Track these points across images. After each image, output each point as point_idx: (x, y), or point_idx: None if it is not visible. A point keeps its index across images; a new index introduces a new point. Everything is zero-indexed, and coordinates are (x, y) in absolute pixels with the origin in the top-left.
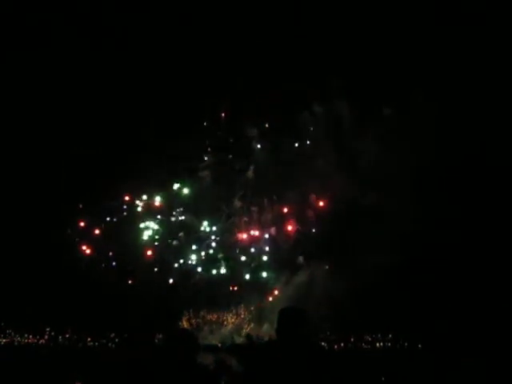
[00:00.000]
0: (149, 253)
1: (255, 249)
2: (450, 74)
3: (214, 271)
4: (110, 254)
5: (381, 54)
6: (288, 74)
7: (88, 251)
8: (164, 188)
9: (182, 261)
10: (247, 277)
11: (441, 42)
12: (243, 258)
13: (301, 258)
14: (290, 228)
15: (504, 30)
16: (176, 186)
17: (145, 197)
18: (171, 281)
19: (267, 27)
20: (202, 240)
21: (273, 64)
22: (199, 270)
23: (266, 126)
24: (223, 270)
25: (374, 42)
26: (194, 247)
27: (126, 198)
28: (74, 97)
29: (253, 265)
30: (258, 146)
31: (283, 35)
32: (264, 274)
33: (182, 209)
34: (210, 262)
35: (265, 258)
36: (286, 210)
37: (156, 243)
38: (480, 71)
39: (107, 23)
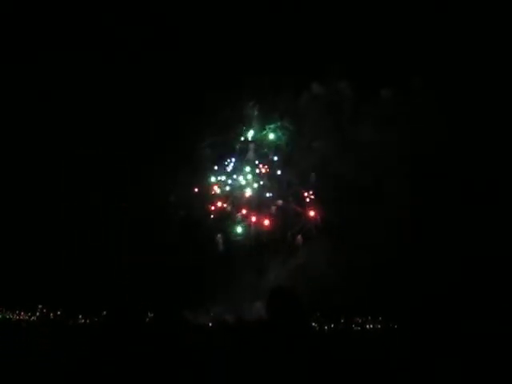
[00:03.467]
0: None
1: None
2: (452, 58)
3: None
4: None
5: (381, 37)
6: (286, 56)
7: None
8: None
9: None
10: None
11: (444, 26)
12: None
13: (299, 238)
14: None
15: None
16: None
17: None
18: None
19: (266, 10)
20: None
21: (271, 46)
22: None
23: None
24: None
25: (375, 24)
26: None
27: None
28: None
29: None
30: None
31: (282, 18)
32: None
33: None
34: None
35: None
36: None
37: None
38: (484, 57)
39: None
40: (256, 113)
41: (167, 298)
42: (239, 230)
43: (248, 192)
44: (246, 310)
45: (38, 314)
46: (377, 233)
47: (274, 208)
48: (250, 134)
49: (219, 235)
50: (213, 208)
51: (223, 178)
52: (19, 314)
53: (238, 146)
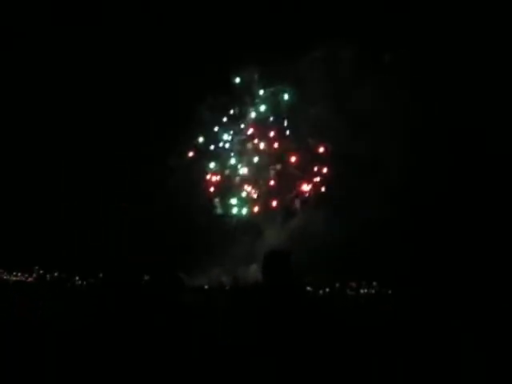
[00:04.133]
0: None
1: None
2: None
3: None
4: None
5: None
6: (285, 16)
7: None
8: None
9: None
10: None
11: None
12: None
13: (297, 202)
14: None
15: None
16: None
17: None
18: None
19: None
20: None
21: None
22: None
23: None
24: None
25: None
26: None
27: None
28: None
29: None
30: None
31: None
32: None
33: None
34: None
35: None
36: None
37: None
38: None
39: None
40: (256, 77)
41: (163, 260)
42: (235, 203)
43: (245, 170)
44: (242, 273)
45: (34, 275)
46: (374, 199)
47: (272, 172)
48: (250, 97)
49: (217, 199)
50: (212, 179)
51: (226, 136)
52: (16, 275)
53: (236, 111)
